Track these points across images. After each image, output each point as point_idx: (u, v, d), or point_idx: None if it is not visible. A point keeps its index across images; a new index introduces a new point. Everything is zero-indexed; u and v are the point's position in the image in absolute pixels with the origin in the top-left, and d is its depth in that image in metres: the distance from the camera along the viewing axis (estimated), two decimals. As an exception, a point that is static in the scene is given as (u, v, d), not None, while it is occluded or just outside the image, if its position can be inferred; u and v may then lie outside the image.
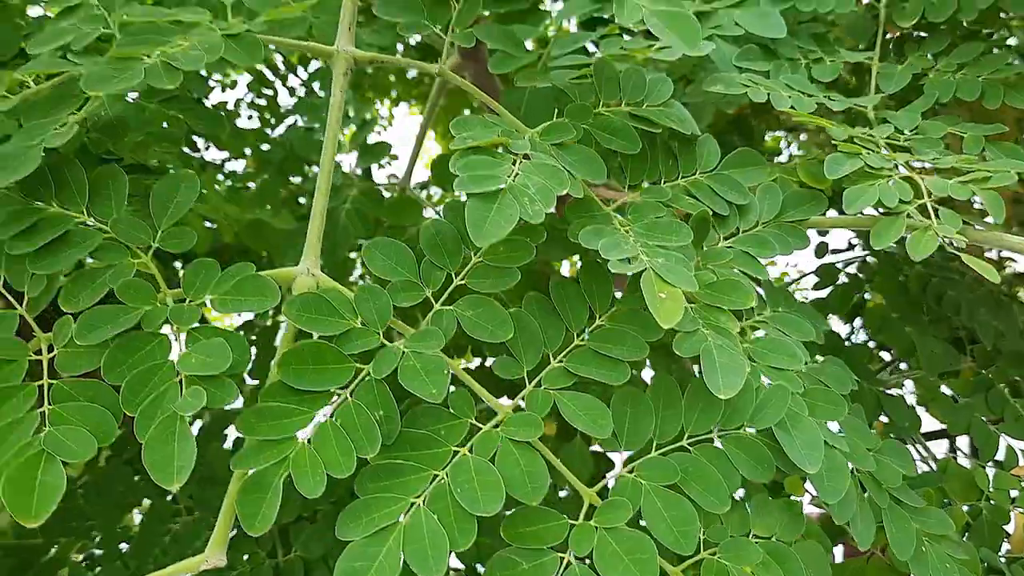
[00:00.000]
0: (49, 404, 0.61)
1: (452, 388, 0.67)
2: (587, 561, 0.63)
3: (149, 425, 0.58)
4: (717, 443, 0.71)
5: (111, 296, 0.65)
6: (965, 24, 1.08)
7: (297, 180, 1.62)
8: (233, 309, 0.63)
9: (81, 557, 1.45)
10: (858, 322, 1.65)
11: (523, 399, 0.68)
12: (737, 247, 0.83)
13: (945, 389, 1.39)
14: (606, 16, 0.93)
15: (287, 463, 0.59)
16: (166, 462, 0.57)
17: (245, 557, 1.36)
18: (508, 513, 0.65)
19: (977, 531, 1.12)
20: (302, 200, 1.54)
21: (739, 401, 0.72)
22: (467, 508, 0.60)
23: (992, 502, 1.14)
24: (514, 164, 0.68)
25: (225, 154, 1.78)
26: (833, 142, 0.87)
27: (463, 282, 0.70)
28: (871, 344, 1.59)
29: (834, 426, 0.80)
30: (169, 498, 1.46)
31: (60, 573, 1.38)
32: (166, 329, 0.64)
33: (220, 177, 1.70)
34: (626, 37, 0.97)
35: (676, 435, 0.71)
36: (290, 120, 1.69)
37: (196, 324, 0.63)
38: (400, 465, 0.63)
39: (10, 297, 0.67)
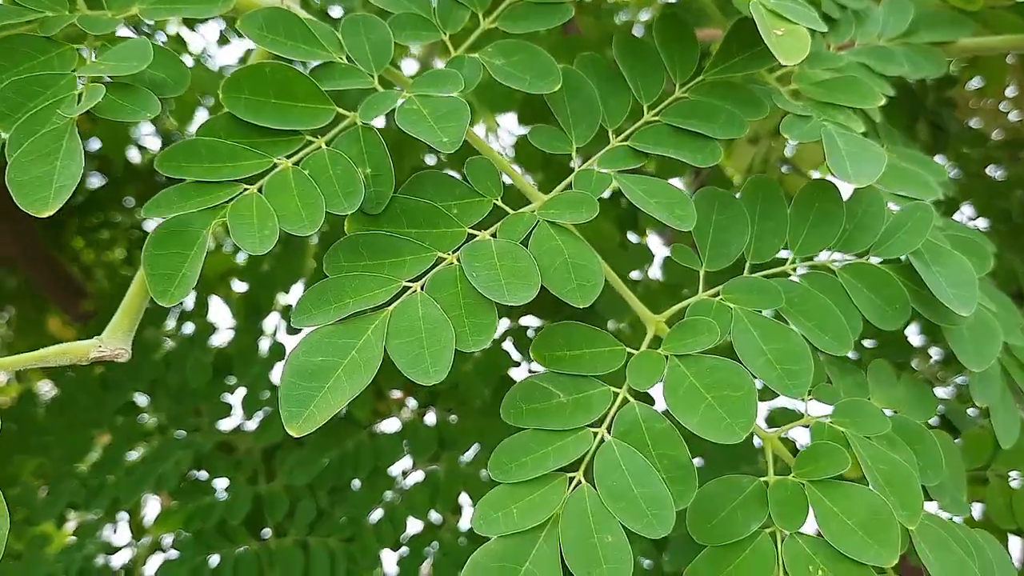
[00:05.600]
0: None
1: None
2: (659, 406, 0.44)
3: (24, 142, 0.39)
4: (831, 270, 0.51)
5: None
6: None
7: None
8: (168, 12, 0.45)
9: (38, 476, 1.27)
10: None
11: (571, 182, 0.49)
12: (851, 58, 0.64)
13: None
14: None
15: (222, 210, 0.40)
16: (41, 182, 0.38)
17: (224, 484, 1.17)
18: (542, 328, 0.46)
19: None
20: None
21: (864, 218, 0.52)
22: (485, 294, 0.41)
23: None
24: None
25: None
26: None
27: (494, 25, 0.51)
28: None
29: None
30: (140, 417, 1.28)
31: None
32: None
33: None
34: None
35: (775, 255, 0.51)
36: None
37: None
38: (392, 241, 0.43)
39: None
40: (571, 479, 0.42)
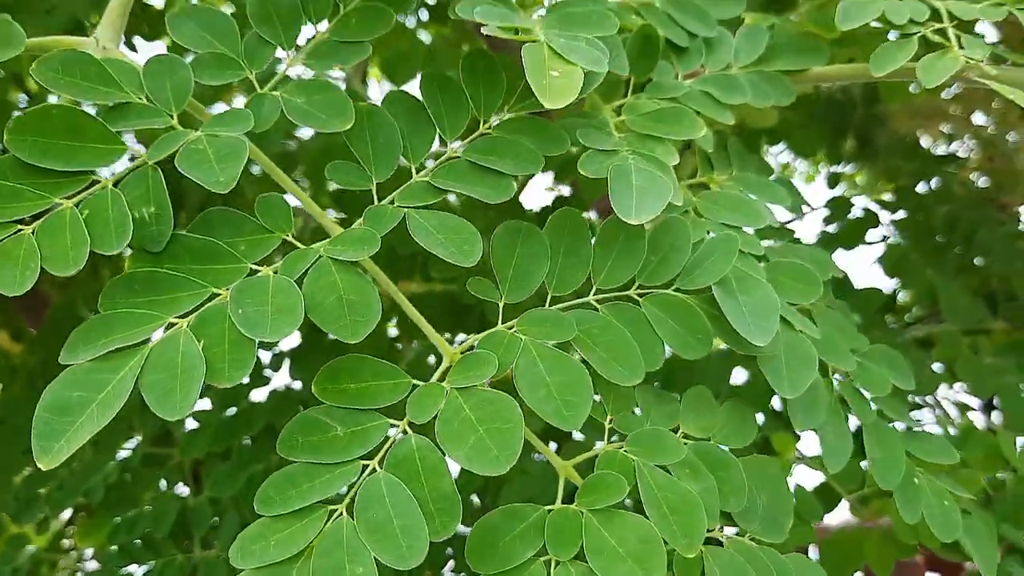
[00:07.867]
0: None
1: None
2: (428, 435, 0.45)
3: None
4: (635, 300, 0.52)
5: None
6: None
7: None
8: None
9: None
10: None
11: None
12: (696, 87, 0.65)
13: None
14: None
15: (-11, 253, 0.42)
16: None
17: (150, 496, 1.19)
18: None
19: (998, 505, 0.91)
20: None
21: (669, 251, 0.53)
22: (246, 331, 0.42)
23: (1017, 473, 0.93)
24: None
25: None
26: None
27: (302, 61, 0.52)
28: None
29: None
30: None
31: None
32: None
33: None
34: None
35: (578, 288, 0.53)
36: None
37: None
38: (170, 277, 0.45)
39: None
40: (333, 511, 0.43)
